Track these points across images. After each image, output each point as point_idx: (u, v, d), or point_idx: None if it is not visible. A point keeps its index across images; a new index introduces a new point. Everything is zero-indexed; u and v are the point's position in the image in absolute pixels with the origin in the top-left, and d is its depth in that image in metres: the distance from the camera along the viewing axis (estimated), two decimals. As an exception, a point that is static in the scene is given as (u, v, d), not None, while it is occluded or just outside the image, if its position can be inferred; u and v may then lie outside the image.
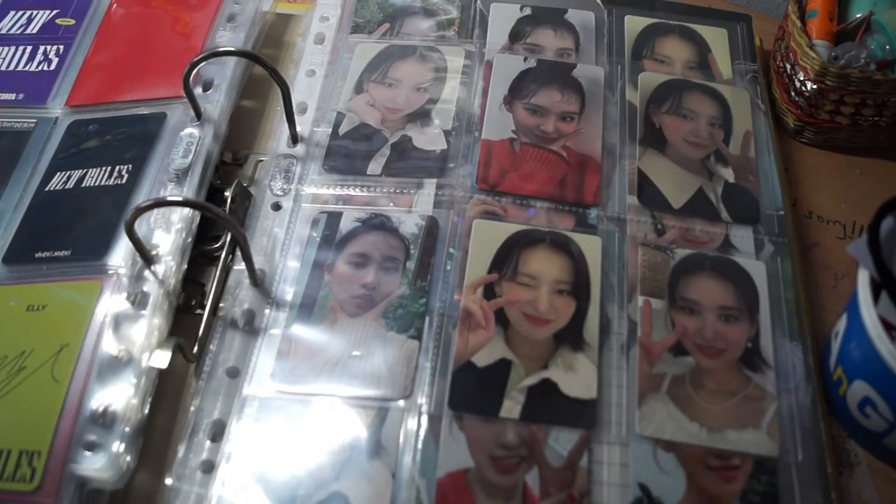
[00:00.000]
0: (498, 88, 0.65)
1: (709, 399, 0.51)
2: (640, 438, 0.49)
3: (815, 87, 0.62)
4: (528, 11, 0.72)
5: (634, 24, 0.71)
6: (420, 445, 0.49)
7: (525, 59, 0.67)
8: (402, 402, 0.50)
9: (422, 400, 0.50)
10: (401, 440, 0.49)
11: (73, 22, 0.71)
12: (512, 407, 0.50)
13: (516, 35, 0.70)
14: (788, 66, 0.65)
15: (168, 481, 0.48)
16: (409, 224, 0.58)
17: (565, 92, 0.65)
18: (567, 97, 0.65)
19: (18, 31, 0.71)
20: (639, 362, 0.52)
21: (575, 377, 0.51)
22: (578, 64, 0.67)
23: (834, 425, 0.53)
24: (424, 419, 0.50)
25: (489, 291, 0.55)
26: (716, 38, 0.70)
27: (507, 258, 0.56)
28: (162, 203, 0.51)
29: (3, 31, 0.71)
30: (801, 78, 0.63)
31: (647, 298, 0.55)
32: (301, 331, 0.53)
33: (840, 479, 0.51)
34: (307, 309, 0.54)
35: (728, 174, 0.61)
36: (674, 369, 0.52)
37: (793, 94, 0.65)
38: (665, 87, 0.66)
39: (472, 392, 0.51)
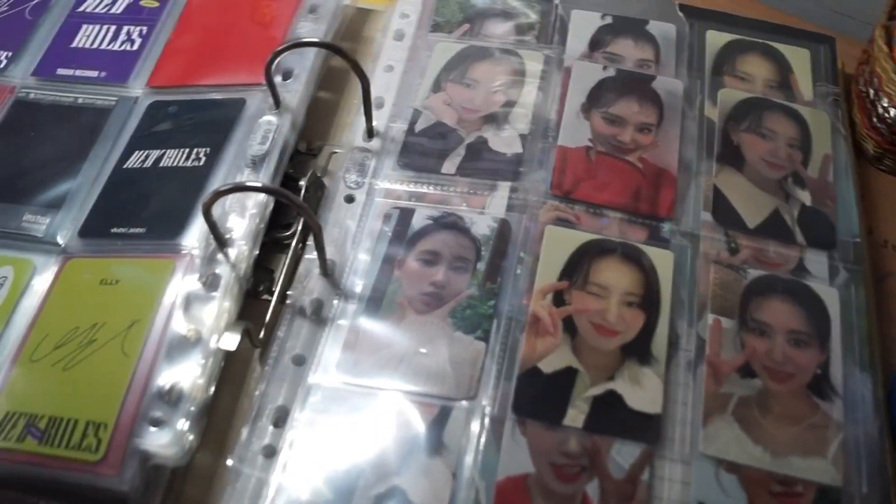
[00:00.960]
0: (576, 95, 0.65)
1: (775, 423, 0.50)
2: (703, 457, 0.49)
3: (899, 114, 0.61)
4: (608, 20, 0.71)
5: (716, 39, 0.70)
6: (482, 447, 0.49)
7: (604, 67, 0.67)
8: (465, 403, 0.50)
9: (485, 402, 0.50)
10: (463, 440, 0.49)
11: (157, 4, 0.72)
12: (576, 416, 0.50)
13: (596, 43, 0.69)
14: (872, 92, 0.64)
15: (230, 462, 0.48)
16: (482, 225, 0.58)
17: (643, 103, 0.65)
18: (645, 108, 0.64)
19: (103, 11, 0.72)
20: (705, 381, 0.52)
21: (641, 391, 0.51)
22: (658, 76, 0.67)
23: (900, 460, 0.52)
24: (487, 421, 0.49)
25: (558, 299, 0.54)
26: (798, 59, 0.69)
27: (577, 266, 0.56)
28: (241, 188, 0.52)
29: (88, 10, 0.72)
30: (885, 104, 0.62)
31: (717, 317, 0.54)
32: (368, 324, 0.53)
33: (904, 516, 0.50)
34: (375, 302, 0.54)
35: (805, 197, 0.60)
36: (741, 390, 0.51)
37: (875, 119, 0.64)
38: (745, 104, 0.65)
39: (536, 398, 0.50)
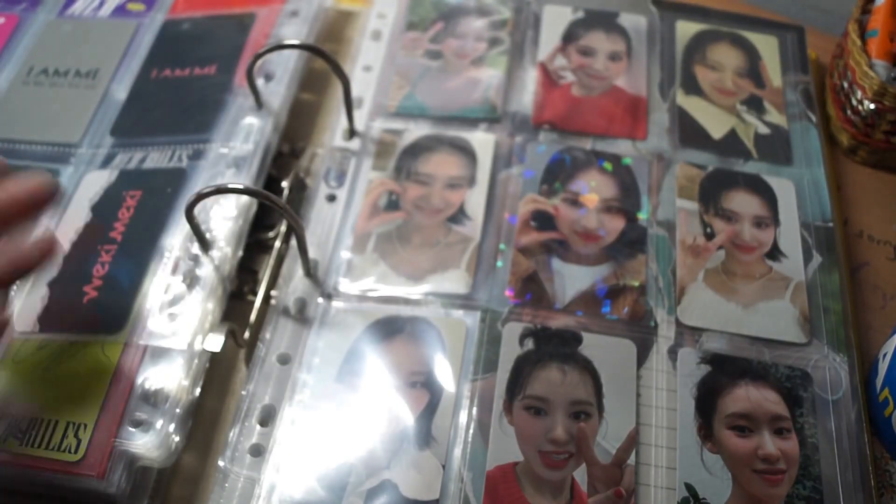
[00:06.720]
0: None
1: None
2: (686, 441, 0.49)
3: (872, 106, 0.62)
4: (580, 14, 0.72)
5: (686, 29, 0.71)
6: (470, 438, 0.49)
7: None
8: (453, 392, 0.51)
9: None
10: (451, 432, 0.49)
11: (143, 7, 0.72)
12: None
13: (569, 37, 0.70)
14: (846, 85, 0.65)
15: (221, 463, 0.48)
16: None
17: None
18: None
19: (90, 15, 0.72)
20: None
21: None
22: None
23: (877, 446, 0.52)
24: (475, 411, 0.50)
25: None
26: (766, 46, 0.70)
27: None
28: (223, 190, 0.51)
29: (76, 14, 0.72)
30: (859, 97, 0.63)
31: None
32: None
33: (881, 501, 0.50)
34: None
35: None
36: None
37: (849, 112, 0.65)
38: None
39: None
